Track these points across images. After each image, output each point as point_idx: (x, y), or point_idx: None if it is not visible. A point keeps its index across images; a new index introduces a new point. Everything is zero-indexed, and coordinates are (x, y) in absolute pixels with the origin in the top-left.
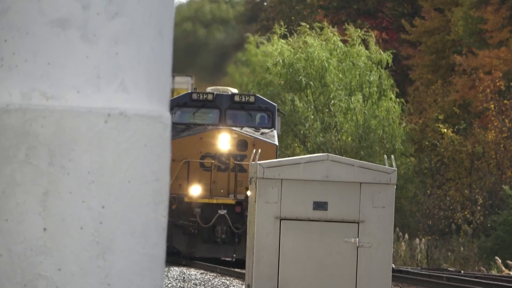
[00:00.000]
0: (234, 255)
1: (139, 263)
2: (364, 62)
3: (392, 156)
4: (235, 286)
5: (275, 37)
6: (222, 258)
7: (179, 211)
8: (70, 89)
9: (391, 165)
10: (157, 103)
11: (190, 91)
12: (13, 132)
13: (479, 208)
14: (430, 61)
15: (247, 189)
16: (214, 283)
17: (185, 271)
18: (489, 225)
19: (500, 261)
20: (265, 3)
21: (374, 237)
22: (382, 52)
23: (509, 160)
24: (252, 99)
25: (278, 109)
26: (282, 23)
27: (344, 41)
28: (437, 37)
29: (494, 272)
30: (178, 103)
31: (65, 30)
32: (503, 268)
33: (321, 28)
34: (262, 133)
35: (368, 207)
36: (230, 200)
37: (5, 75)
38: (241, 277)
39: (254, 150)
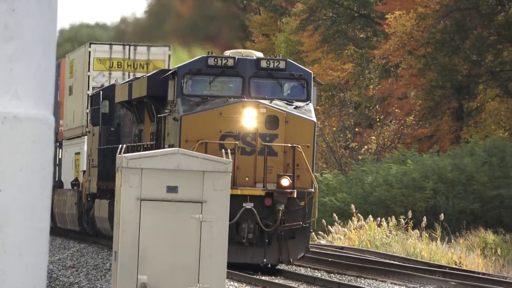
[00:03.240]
0: (265, 260)
1: (29, 234)
2: None
3: (229, 150)
4: None
5: None
6: (249, 263)
7: None
8: None
9: (227, 158)
10: (43, 108)
11: (204, 55)
12: None
13: None
14: None
15: (280, 177)
16: None
17: None
18: None
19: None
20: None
21: (214, 213)
22: None
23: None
24: (282, 64)
25: (314, 78)
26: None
27: None
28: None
29: None
30: (190, 70)
31: None
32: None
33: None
34: (296, 107)
35: (210, 190)
36: (258, 191)
37: None
38: (270, 286)
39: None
